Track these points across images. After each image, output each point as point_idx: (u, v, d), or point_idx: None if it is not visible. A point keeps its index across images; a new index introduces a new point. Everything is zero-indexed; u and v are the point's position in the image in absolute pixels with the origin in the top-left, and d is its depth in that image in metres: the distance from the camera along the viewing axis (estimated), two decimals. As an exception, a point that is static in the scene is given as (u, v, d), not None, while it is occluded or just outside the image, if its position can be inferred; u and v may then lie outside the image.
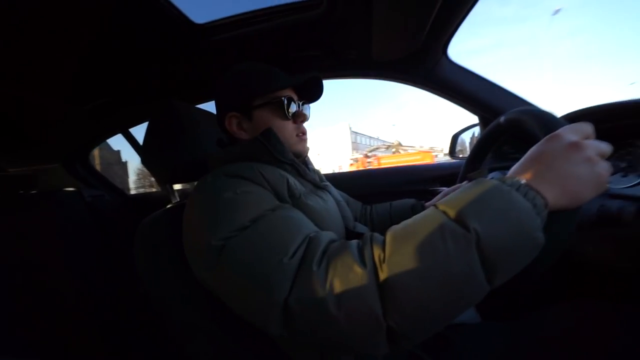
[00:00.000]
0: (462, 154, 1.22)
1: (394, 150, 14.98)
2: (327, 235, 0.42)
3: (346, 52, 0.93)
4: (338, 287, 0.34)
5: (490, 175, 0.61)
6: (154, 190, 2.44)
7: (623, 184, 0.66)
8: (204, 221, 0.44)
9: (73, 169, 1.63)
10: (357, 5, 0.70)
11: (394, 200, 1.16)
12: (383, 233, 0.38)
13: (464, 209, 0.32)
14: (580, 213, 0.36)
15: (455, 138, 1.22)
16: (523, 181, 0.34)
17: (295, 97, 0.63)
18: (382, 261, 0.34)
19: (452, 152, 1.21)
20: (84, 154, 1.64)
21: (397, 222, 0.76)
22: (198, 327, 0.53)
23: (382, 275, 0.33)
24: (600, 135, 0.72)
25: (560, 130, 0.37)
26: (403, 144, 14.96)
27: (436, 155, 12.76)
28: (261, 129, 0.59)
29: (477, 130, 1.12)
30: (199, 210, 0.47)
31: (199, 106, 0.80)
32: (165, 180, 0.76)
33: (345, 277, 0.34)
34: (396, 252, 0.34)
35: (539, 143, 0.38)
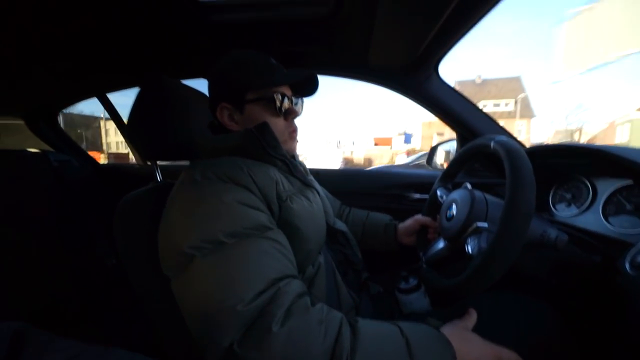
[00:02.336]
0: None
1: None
2: (295, 287, 0.41)
3: (344, 52, 0.95)
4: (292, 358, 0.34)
5: (458, 192, 0.68)
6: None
7: (565, 213, 0.76)
8: (182, 223, 0.44)
9: (36, 127, 1.50)
10: (362, 10, 0.72)
11: (371, 201, 1.22)
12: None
13: None
14: None
15: (434, 149, 1.30)
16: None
17: (289, 93, 0.62)
18: None
19: (430, 161, 1.28)
20: (51, 113, 1.51)
21: (368, 234, 0.83)
22: (170, 302, 0.54)
23: None
24: (552, 168, 0.82)
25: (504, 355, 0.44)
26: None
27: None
28: (252, 123, 0.59)
29: (454, 144, 1.20)
30: (180, 210, 0.46)
31: (186, 82, 0.78)
32: (148, 157, 0.75)
33: (303, 354, 0.35)
34: None
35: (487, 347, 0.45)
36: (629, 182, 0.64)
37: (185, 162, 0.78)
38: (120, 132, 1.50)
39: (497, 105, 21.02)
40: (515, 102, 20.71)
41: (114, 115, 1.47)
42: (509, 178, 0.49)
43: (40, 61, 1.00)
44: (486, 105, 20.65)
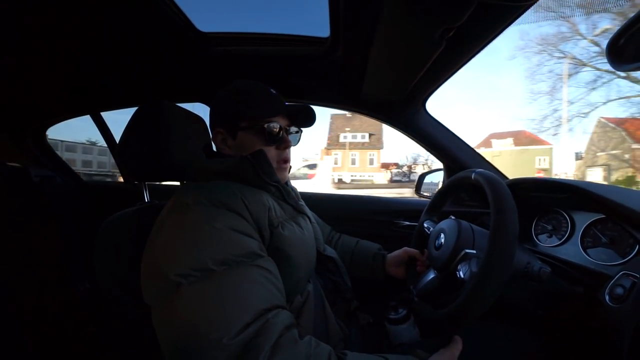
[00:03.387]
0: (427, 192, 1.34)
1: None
2: (284, 319, 0.40)
3: (339, 87, 1.01)
4: None
5: (445, 222, 0.70)
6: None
7: (548, 244, 0.79)
8: (170, 248, 0.43)
9: (22, 143, 1.47)
10: (356, 51, 0.78)
11: (361, 226, 1.22)
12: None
13: None
14: None
15: (422, 177, 1.35)
16: None
17: (284, 123, 0.64)
18: None
19: (418, 189, 1.32)
20: (40, 129, 1.49)
21: (356, 263, 0.81)
22: (147, 334, 0.51)
23: None
24: (533, 201, 0.86)
25: None
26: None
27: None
28: (243, 149, 0.60)
29: (441, 174, 1.25)
30: (169, 235, 0.45)
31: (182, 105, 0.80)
32: (137, 177, 0.74)
33: None
34: None
35: None
36: (602, 215, 0.69)
37: (175, 183, 0.77)
38: (110, 150, 1.48)
39: (354, 137, 24.41)
40: (370, 135, 24.35)
41: (105, 134, 1.46)
42: (492, 203, 0.52)
43: (33, 74, 1.01)
44: (346, 137, 24.13)
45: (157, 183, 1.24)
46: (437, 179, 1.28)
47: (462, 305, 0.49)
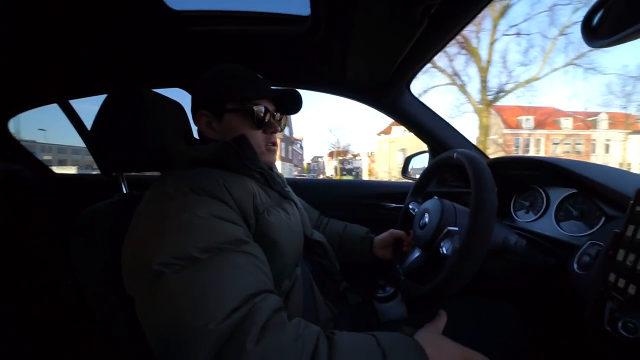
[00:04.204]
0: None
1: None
2: (272, 303, 0.40)
3: (322, 70, 0.98)
4: None
5: (429, 202, 0.72)
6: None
7: (524, 219, 0.83)
8: (150, 237, 0.42)
9: None
10: (337, 31, 0.76)
11: (348, 211, 1.24)
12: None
13: None
14: None
15: (408, 160, 1.37)
16: None
17: (271, 108, 0.63)
18: None
19: (405, 172, 1.35)
20: (1, 119, 1.38)
21: (345, 246, 0.84)
22: (132, 326, 0.50)
23: None
24: (512, 179, 0.90)
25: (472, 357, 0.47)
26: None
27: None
28: (229, 132, 0.59)
29: (426, 156, 1.27)
30: (149, 224, 0.44)
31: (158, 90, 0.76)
32: (113, 168, 0.70)
33: None
34: None
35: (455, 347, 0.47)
36: (574, 190, 0.73)
37: (155, 173, 0.74)
38: (84, 141, 1.40)
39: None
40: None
41: (76, 123, 1.37)
42: (472, 181, 0.54)
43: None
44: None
45: (136, 174, 1.18)
46: (422, 161, 1.31)
47: (445, 280, 0.51)
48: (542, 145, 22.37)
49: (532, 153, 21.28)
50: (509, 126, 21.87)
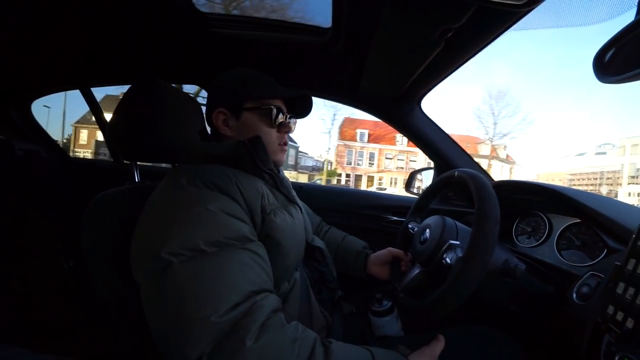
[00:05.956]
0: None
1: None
2: (272, 302, 0.41)
3: (337, 79, 1.01)
4: None
5: (430, 218, 0.72)
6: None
7: (526, 244, 0.83)
8: (162, 227, 0.43)
9: (5, 115, 1.41)
10: (356, 45, 0.78)
11: (349, 219, 1.25)
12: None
13: None
14: None
15: (412, 175, 1.37)
16: None
17: (284, 109, 0.66)
18: None
19: (409, 186, 1.35)
20: (25, 101, 1.43)
21: (339, 258, 0.84)
22: (135, 310, 0.51)
23: None
24: (516, 203, 0.89)
25: None
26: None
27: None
28: (246, 130, 0.61)
29: (431, 172, 1.28)
30: (161, 214, 0.45)
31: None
32: (128, 157, 0.73)
33: None
34: None
35: None
36: (577, 220, 0.72)
37: (167, 165, 0.76)
38: (100, 128, 1.44)
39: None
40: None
41: (95, 110, 1.42)
42: (475, 193, 0.55)
43: (21, 45, 0.97)
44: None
45: (148, 164, 1.22)
46: (428, 177, 1.31)
47: (451, 285, 0.51)
48: (375, 159, 24.44)
49: (364, 165, 23.89)
50: (344, 137, 24.09)
